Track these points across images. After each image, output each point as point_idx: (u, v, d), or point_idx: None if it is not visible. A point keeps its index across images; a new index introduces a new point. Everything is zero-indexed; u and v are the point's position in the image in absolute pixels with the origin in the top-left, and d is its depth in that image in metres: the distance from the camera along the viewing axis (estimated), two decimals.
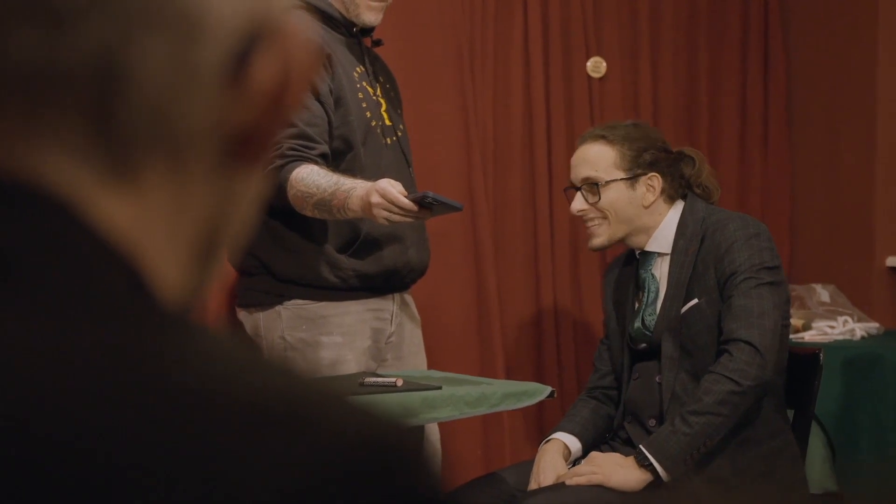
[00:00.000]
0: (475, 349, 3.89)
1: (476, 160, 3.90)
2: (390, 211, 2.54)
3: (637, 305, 2.91)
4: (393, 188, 2.56)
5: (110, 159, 0.48)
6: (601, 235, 2.89)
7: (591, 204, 2.88)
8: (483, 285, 3.90)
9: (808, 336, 3.83)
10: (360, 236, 2.85)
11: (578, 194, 2.91)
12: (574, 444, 2.89)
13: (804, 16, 4.47)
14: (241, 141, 0.52)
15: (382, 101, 2.98)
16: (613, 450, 2.87)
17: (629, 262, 3.00)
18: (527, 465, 2.94)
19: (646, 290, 2.88)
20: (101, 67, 0.46)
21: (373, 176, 2.69)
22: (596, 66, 4.13)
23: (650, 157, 2.88)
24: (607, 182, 2.86)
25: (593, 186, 2.87)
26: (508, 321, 3.98)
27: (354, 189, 2.62)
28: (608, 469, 2.68)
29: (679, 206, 2.89)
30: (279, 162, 2.71)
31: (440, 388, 2.55)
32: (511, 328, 3.99)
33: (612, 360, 2.99)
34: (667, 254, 2.86)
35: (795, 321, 3.82)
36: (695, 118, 4.35)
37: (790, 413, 2.90)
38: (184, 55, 0.48)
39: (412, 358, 3.07)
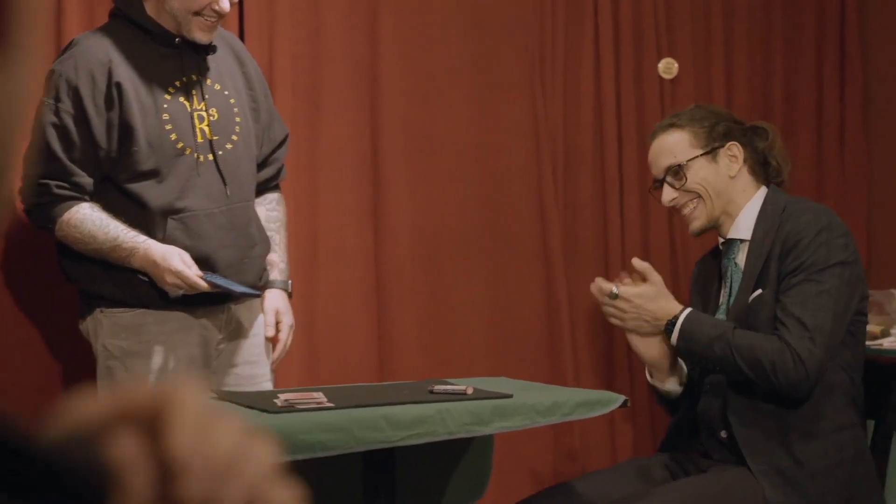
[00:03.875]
0: (545, 356, 3.85)
1: (546, 165, 3.86)
2: (182, 287, 2.63)
3: (721, 297, 2.87)
4: (188, 269, 2.61)
5: None
6: (699, 217, 2.88)
7: (680, 189, 2.86)
8: (553, 292, 3.85)
9: (886, 343, 3.76)
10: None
11: (665, 186, 2.90)
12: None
13: (882, 14, 4.38)
14: None
15: (207, 113, 2.81)
16: (693, 462, 2.82)
17: (714, 255, 2.97)
18: (599, 476, 2.90)
19: (729, 281, 2.84)
20: None
21: (174, 198, 2.72)
22: (668, 67, 4.07)
23: (723, 128, 2.89)
24: (688, 162, 2.85)
25: (677, 171, 2.87)
26: (579, 328, 3.92)
27: (136, 250, 2.64)
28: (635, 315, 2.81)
29: (763, 193, 2.86)
30: (47, 199, 2.70)
31: (511, 396, 2.51)
32: (581, 335, 3.93)
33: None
34: (748, 240, 2.82)
35: (873, 327, 3.73)
36: (769, 120, 4.25)
37: (870, 424, 2.84)
38: None
39: (249, 367, 2.94)
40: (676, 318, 2.75)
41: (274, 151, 3.05)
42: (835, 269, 2.66)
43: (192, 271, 2.62)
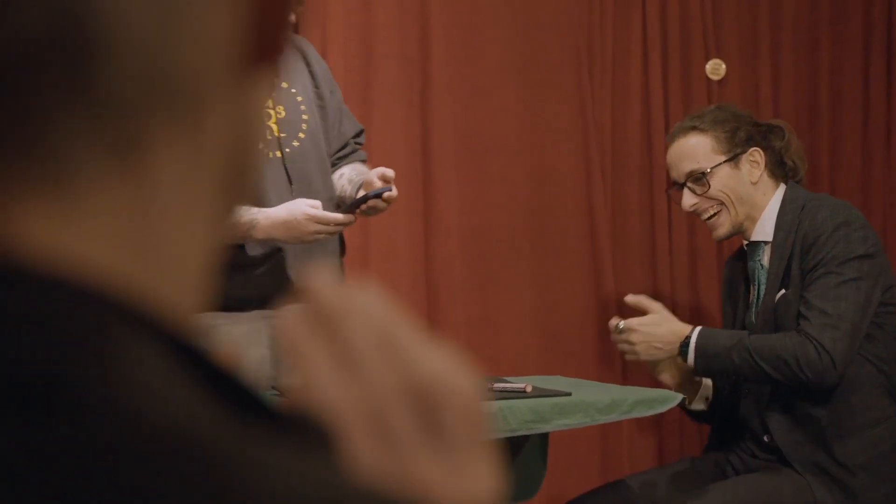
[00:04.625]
0: (593, 355, 3.86)
1: (594, 164, 3.87)
2: (326, 232, 2.57)
3: (750, 299, 2.87)
4: (319, 210, 2.55)
5: (109, 160, 0.38)
6: (723, 224, 2.87)
7: (702, 195, 2.85)
8: (601, 291, 3.86)
9: None
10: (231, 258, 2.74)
11: (686, 191, 2.89)
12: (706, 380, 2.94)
13: None
14: (252, 44, 0.42)
15: (275, 111, 2.81)
16: (743, 462, 2.84)
17: (740, 256, 2.97)
18: (651, 474, 2.91)
19: (757, 283, 2.85)
20: (63, 36, 0.36)
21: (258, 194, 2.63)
22: (715, 68, 4.07)
23: (745, 133, 2.87)
24: (712, 169, 2.84)
25: (700, 178, 2.85)
26: None
27: (255, 221, 2.59)
28: (646, 344, 2.82)
29: (781, 192, 2.86)
30: None
31: (570, 394, 2.53)
32: None
33: None
34: (771, 242, 2.83)
35: None
36: (816, 120, 4.27)
37: None
38: None
39: None
40: (688, 337, 2.76)
41: (345, 146, 3.01)
42: (854, 263, 2.67)
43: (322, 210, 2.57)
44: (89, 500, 0.32)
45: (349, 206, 2.63)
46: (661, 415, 3.72)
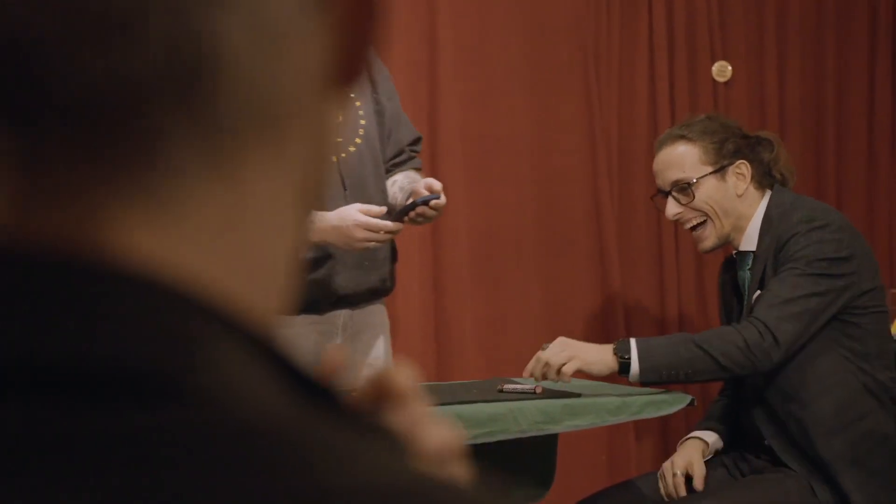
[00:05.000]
0: None
1: (601, 165, 3.89)
2: (375, 240, 2.54)
3: (742, 309, 2.88)
4: (366, 217, 2.51)
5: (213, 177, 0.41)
6: (709, 237, 2.86)
7: (686, 205, 2.85)
8: (608, 291, 3.88)
9: None
10: None
11: (670, 199, 2.88)
12: (711, 437, 2.88)
13: None
14: (336, 68, 0.45)
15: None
16: (749, 462, 2.86)
17: (728, 268, 2.97)
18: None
19: (746, 292, 2.85)
20: (179, 65, 0.40)
21: None
22: (721, 69, 4.09)
23: (732, 145, 2.86)
24: (698, 180, 2.83)
25: (685, 188, 2.84)
26: (634, 328, 3.95)
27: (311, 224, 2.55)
28: (580, 350, 2.67)
29: (767, 199, 2.85)
30: None
31: (580, 395, 2.54)
32: (636, 333, 3.96)
33: None
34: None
35: None
36: (822, 122, 4.29)
37: None
38: (261, 10, 0.41)
39: (367, 371, 2.92)
40: (625, 343, 2.68)
41: (400, 153, 2.97)
42: (822, 263, 2.67)
43: (374, 217, 2.55)
44: (189, 479, 0.35)
45: (397, 213, 2.61)
46: (668, 416, 3.75)
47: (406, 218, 2.61)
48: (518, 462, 2.87)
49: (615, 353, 2.65)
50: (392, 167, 2.91)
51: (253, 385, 0.39)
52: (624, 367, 2.65)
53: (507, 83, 3.80)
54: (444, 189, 3.65)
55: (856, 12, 4.32)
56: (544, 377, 2.66)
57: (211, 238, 0.42)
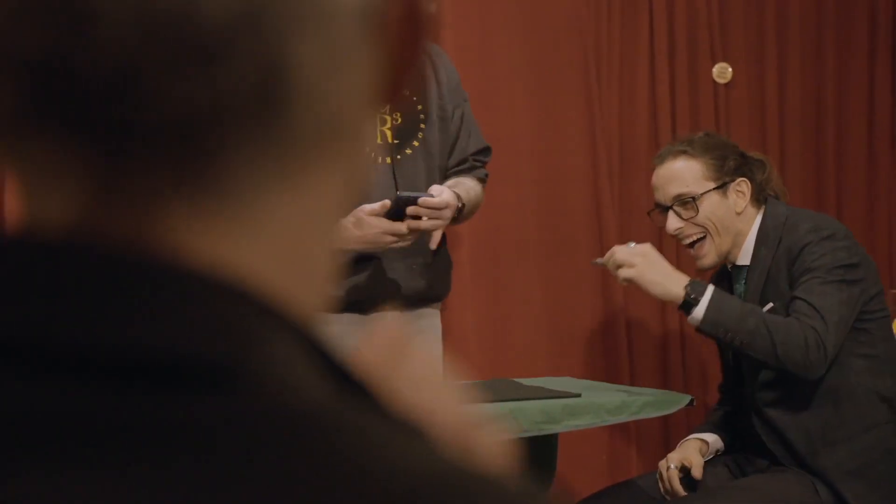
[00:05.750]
0: (601, 357, 3.90)
1: (602, 166, 3.91)
2: (390, 237, 2.52)
3: None
4: (376, 217, 2.49)
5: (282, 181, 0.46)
6: (708, 254, 2.85)
7: (688, 220, 2.85)
8: (609, 293, 3.90)
9: None
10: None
11: (671, 214, 2.87)
12: (711, 437, 2.89)
13: None
14: (383, 87, 0.49)
15: (391, 117, 2.76)
16: (751, 462, 2.87)
17: (722, 276, 2.97)
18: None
19: None
20: (264, 87, 0.43)
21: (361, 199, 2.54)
22: (722, 71, 4.10)
23: (734, 162, 2.86)
24: (702, 195, 2.83)
25: (687, 202, 2.84)
26: (635, 329, 3.97)
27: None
28: (649, 266, 2.69)
29: (762, 212, 2.87)
30: None
31: (580, 395, 2.56)
32: (637, 336, 3.98)
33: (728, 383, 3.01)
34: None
35: None
36: (822, 123, 4.30)
37: None
38: (330, 37, 0.45)
39: None
40: (701, 285, 2.68)
41: (464, 161, 2.94)
42: (839, 270, 2.69)
43: (380, 219, 2.54)
44: (239, 463, 0.38)
45: (389, 212, 2.57)
46: (669, 416, 3.77)
47: (407, 217, 2.58)
48: (518, 462, 2.89)
49: (686, 288, 2.66)
50: (454, 174, 2.88)
51: (302, 377, 0.42)
52: (687, 304, 2.66)
53: (507, 84, 3.82)
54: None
55: (856, 14, 4.34)
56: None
57: (273, 242, 0.46)
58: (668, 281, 2.69)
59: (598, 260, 2.79)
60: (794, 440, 2.73)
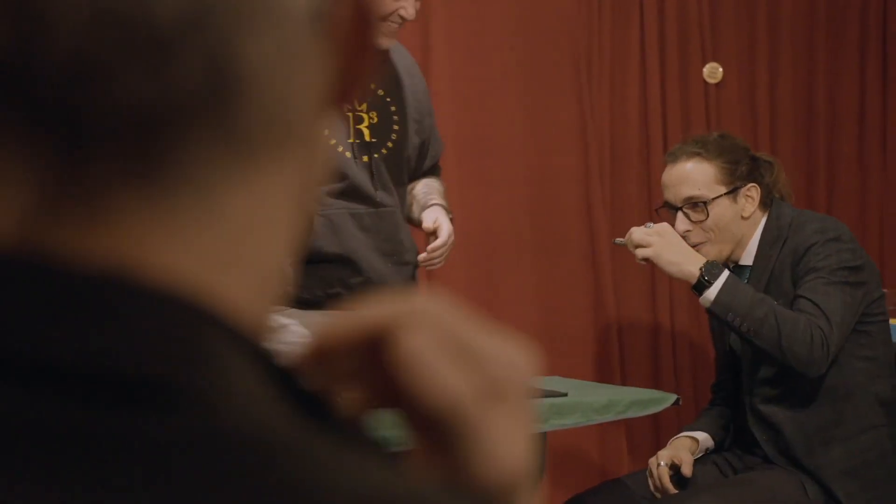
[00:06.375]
0: (592, 357, 3.91)
1: (593, 167, 3.92)
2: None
3: None
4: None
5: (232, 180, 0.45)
6: (708, 254, 2.83)
7: (697, 223, 2.85)
8: (600, 291, 3.91)
9: None
10: (309, 251, 2.63)
11: (680, 215, 2.87)
12: (702, 435, 2.91)
13: None
14: (335, 90, 0.49)
15: (368, 116, 2.78)
16: (741, 459, 2.89)
17: None
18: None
19: None
20: (214, 83, 0.43)
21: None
22: (712, 71, 4.12)
23: (745, 167, 2.86)
24: (713, 199, 2.83)
25: (698, 206, 2.84)
26: (625, 329, 3.98)
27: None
28: (666, 245, 2.73)
29: (766, 215, 2.88)
30: None
31: (566, 394, 2.58)
32: (628, 336, 3.99)
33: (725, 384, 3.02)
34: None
35: None
36: (813, 124, 4.32)
37: None
38: (281, 36, 0.45)
39: None
40: (717, 268, 2.70)
41: (433, 167, 3.03)
42: (843, 272, 2.70)
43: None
44: (178, 485, 0.37)
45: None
46: (661, 415, 3.78)
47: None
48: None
49: (701, 269, 2.68)
50: (422, 175, 2.96)
51: (251, 395, 0.41)
52: (700, 285, 2.68)
53: (499, 84, 3.83)
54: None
55: (847, 14, 4.35)
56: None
57: (227, 244, 0.45)
58: (684, 261, 2.71)
59: (619, 239, 2.81)
60: (789, 437, 2.74)
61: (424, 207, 2.85)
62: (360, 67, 0.50)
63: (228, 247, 0.45)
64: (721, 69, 4.13)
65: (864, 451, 2.74)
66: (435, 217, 2.77)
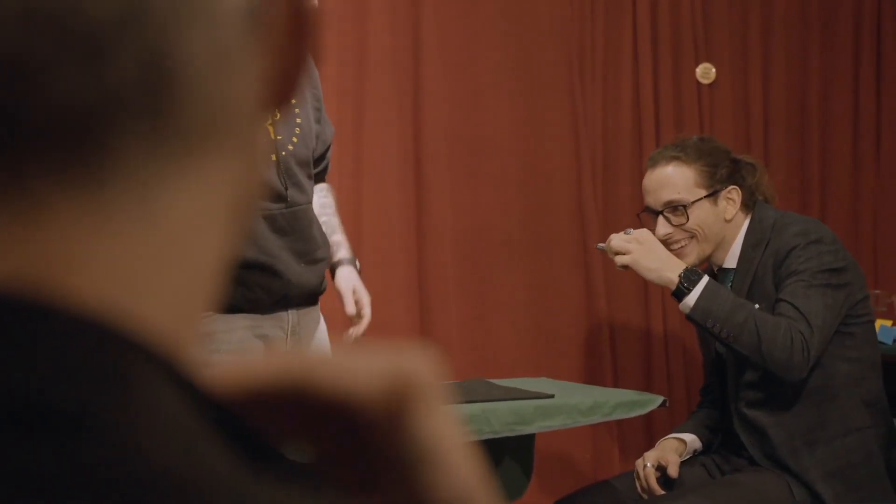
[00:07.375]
0: (584, 357, 3.91)
1: (586, 168, 3.92)
2: None
3: None
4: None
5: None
6: (690, 255, 2.84)
7: (678, 226, 2.85)
8: (592, 293, 3.91)
9: None
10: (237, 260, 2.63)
11: (661, 219, 2.87)
12: (689, 437, 2.91)
13: None
14: (271, 89, 0.49)
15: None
16: (729, 461, 2.89)
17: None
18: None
19: None
20: (149, 81, 0.42)
21: None
22: (705, 72, 4.12)
23: (726, 170, 2.86)
24: (693, 203, 2.83)
25: (678, 209, 2.84)
26: (617, 329, 3.98)
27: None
28: (645, 252, 2.71)
29: (750, 217, 2.87)
30: None
31: (553, 396, 2.58)
32: (620, 337, 3.99)
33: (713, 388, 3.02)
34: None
35: None
36: (806, 124, 4.31)
37: None
38: (217, 35, 0.44)
39: None
40: (696, 274, 2.69)
41: (327, 150, 3.06)
42: (824, 274, 2.69)
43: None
44: None
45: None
46: (653, 417, 3.78)
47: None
48: (495, 461, 2.91)
49: (680, 276, 2.68)
50: (317, 170, 2.93)
51: (172, 424, 0.39)
52: (680, 292, 2.67)
53: (492, 85, 3.83)
54: (430, 191, 3.70)
55: (840, 14, 4.34)
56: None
57: (159, 255, 0.44)
58: (663, 267, 2.71)
59: (601, 245, 2.81)
60: (775, 440, 2.74)
61: (332, 264, 2.87)
62: (296, 69, 0.49)
63: (161, 253, 0.44)
64: (714, 70, 4.13)
65: (849, 453, 2.74)
66: (352, 288, 2.81)
